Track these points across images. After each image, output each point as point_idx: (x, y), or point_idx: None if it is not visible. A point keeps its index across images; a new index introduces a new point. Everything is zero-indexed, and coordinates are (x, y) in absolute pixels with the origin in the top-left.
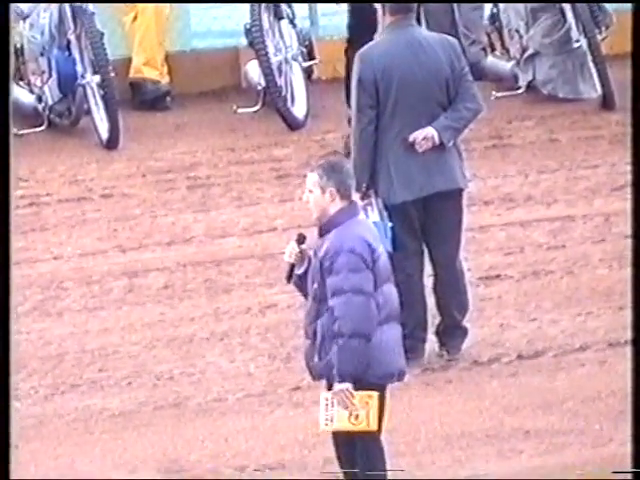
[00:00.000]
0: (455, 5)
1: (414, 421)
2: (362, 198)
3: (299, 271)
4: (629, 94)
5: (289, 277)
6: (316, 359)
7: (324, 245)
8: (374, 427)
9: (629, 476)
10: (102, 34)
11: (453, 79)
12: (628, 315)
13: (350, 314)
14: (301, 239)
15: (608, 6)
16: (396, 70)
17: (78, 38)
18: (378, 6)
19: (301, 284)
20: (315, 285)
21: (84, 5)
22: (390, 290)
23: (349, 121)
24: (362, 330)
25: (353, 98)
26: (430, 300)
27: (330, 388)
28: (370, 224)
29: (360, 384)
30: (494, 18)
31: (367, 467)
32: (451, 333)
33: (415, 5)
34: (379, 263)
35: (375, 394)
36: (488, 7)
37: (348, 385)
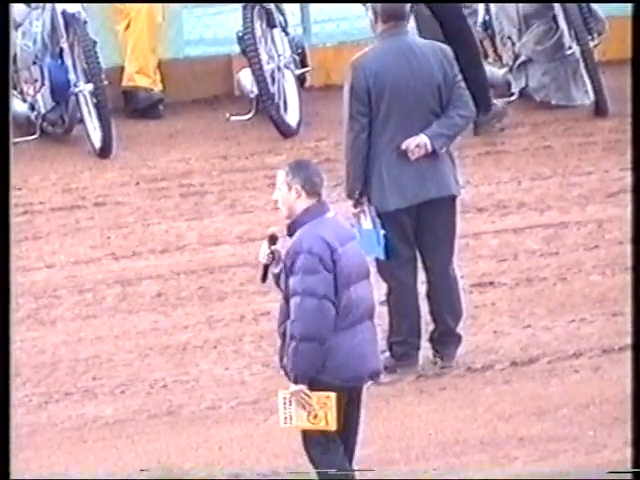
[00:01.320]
0: None
1: (408, 428)
2: (355, 205)
3: (275, 270)
4: (622, 100)
5: (263, 277)
6: (285, 360)
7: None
8: (333, 427)
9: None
10: (95, 42)
11: (445, 86)
12: (622, 321)
13: (302, 317)
14: (273, 239)
15: (600, 13)
16: (388, 77)
17: (71, 46)
18: (371, 14)
19: (278, 284)
20: (283, 285)
21: (77, 13)
22: (363, 289)
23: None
24: (313, 333)
25: (345, 105)
26: (424, 307)
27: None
28: (338, 222)
29: (322, 384)
30: (486, 25)
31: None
32: (445, 340)
33: (408, 13)
34: (343, 263)
35: (333, 395)
36: (481, 14)
37: (302, 386)
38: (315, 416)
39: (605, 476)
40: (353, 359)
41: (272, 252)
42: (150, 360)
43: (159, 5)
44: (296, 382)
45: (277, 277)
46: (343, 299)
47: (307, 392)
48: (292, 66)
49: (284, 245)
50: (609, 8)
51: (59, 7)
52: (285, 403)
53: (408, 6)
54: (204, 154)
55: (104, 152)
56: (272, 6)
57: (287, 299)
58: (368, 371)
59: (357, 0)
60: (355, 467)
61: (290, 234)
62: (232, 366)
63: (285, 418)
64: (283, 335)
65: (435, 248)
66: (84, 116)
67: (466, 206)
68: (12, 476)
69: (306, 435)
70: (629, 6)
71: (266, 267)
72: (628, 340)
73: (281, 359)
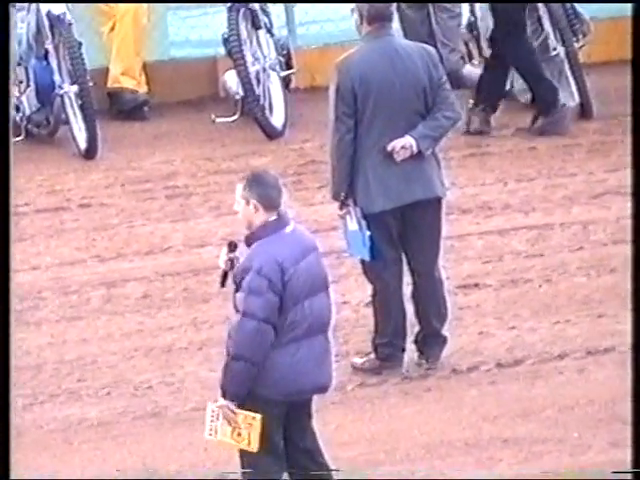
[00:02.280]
0: (432, 14)
1: (393, 430)
2: (341, 207)
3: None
4: (607, 102)
5: (222, 283)
6: (221, 375)
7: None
8: (254, 448)
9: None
10: (80, 44)
11: (431, 88)
12: (606, 323)
13: (237, 336)
14: (232, 247)
15: (585, 14)
16: (374, 79)
17: (56, 48)
18: (356, 15)
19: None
20: (233, 298)
21: (62, 15)
22: (313, 304)
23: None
24: (245, 354)
25: (331, 107)
26: (409, 309)
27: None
28: (296, 236)
29: (260, 399)
30: (472, 26)
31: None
32: (430, 342)
33: (393, 14)
34: (294, 283)
35: (259, 417)
36: (466, 15)
37: (229, 403)
38: (239, 434)
39: (609, 476)
40: (294, 374)
41: (231, 259)
42: (135, 362)
43: (144, 7)
44: (224, 397)
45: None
46: (290, 316)
47: (234, 409)
48: (277, 68)
49: (242, 252)
50: (593, 10)
51: (44, 8)
52: (213, 415)
53: (393, 7)
54: (189, 156)
55: (89, 154)
56: (257, 8)
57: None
58: (311, 386)
59: (344, 0)
60: (340, 468)
61: (248, 245)
62: (217, 368)
63: (210, 430)
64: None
65: (420, 250)
66: (69, 117)
67: (451, 207)
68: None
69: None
70: (614, 8)
71: (225, 274)
72: (613, 342)
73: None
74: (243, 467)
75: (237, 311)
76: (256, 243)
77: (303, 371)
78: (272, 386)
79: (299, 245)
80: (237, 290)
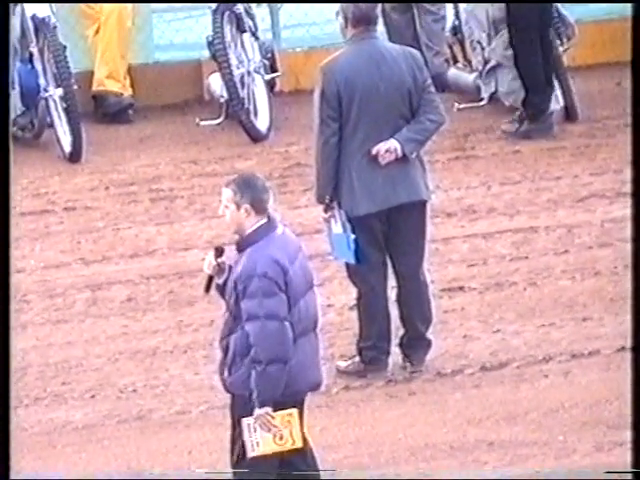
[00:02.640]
0: (417, 17)
1: (378, 433)
2: (325, 210)
3: (219, 281)
4: (592, 106)
5: (207, 288)
6: (226, 374)
7: (240, 263)
8: (299, 444)
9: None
10: (65, 47)
11: (416, 91)
12: (591, 326)
13: (266, 341)
14: (219, 252)
15: (570, 17)
16: (358, 82)
17: (41, 51)
18: (341, 18)
19: (222, 293)
20: (231, 301)
21: (46, 18)
22: (307, 302)
23: None
24: (279, 356)
25: (316, 110)
26: (394, 312)
27: (233, 403)
28: (286, 238)
29: (276, 403)
30: (456, 30)
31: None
32: (415, 345)
33: (378, 17)
34: (293, 281)
35: (295, 412)
36: (450, 19)
37: (268, 409)
38: (281, 437)
39: (604, 476)
40: (293, 375)
41: (219, 264)
42: (120, 365)
43: (129, 10)
44: (262, 406)
45: (220, 287)
46: (294, 315)
47: (271, 414)
48: (262, 71)
49: (229, 257)
50: (578, 13)
51: (29, 12)
52: (249, 430)
53: (378, 10)
54: (174, 159)
55: (74, 157)
56: (242, 11)
57: (231, 314)
58: (308, 384)
59: (329, 1)
60: (326, 471)
61: (240, 250)
62: (202, 371)
63: (252, 446)
64: (226, 349)
65: (405, 253)
66: (54, 121)
67: (435, 211)
68: None
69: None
70: (599, 11)
71: (211, 278)
72: (597, 345)
73: (221, 372)
74: (234, 467)
75: (248, 320)
76: (250, 248)
77: (300, 371)
78: (289, 387)
79: (290, 246)
80: (237, 297)
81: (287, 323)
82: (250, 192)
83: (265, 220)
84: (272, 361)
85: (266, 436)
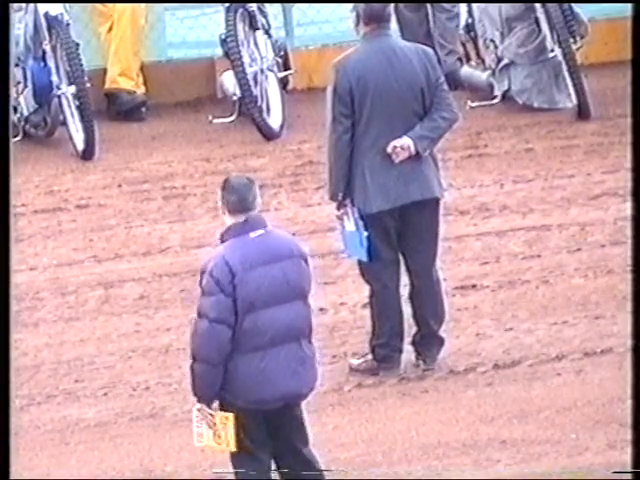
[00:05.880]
0: (430, 15)
1: (390, 431)
2: (338, 208)
3: None
4: (604, 104)
5: None
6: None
7: None
8: (232, 448)
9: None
10: (77, 44)
11: (428, 88)
12: (604, 324)
13: (194, 338)
14: None
15: (583, 16)
16: (371, 79)
17: (53, 49)
18: (354, 16)
19: None
20: None
21: (59, 15)
22: (280, 313)
23: None
24: (202, 355)
25: (328, 107)
26: (406, 310)
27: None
28: (262, 242)
29: (227, 404)
30: (469, 28)
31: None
32: (427, 343)
33: (390, 15)
34: (246, 288)
35: (231, 416)
36: (463, 17)
37: (203, 405)
38: (219, 436)
39: (616, 475)
40: (257, 382)
41: None
42: (132, 362)
43: (142, 7)
44: (198, 401)
45: None
46: (245, 323)
47: (209, 411)
48: (275, 69)
49: None
50: (591, 11)
51: (42, 9)
52: (197, 420)
53: (390, 8)
54: (187, 156)
55: (87, 154)
56: (255, 9)
57: None
58: (277, 395)
59: (342, 0)
60: (338, 469)
61: None
62: None
63: (197, 436)
64: None
65: (418, 250)
66: (67, 118)
67: (448, 209)
68: None
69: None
70: (612, 9)
71: None
72: (610, 343)
73: None
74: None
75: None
76: (220, 245)
77: (268, 380)
78: (236, 393)
79: (263, 251)
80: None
81: (220, 326)
82: (225, 192)
83: (240, 221)
84: (197, 359)
85: (208, 431)
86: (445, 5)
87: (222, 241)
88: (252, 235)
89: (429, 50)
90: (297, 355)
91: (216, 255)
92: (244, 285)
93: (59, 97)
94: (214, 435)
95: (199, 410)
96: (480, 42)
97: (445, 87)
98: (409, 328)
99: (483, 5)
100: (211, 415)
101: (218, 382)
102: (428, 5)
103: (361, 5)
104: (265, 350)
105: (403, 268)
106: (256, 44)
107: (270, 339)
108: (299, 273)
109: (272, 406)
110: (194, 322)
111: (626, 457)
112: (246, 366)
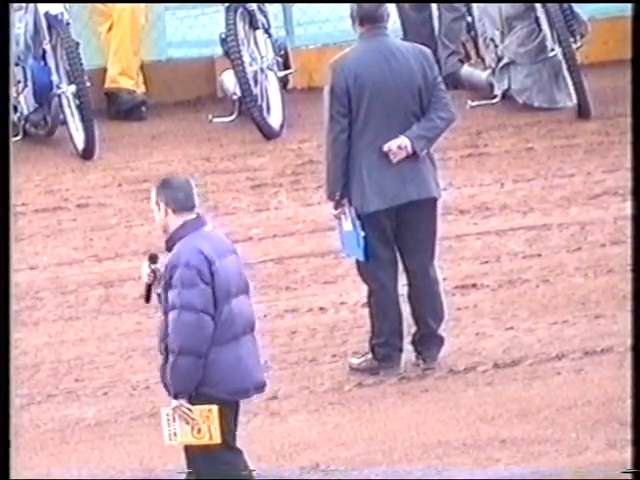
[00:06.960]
0: (435, 16)
1: (391, 430)
2: (335, 207)
3: (159, 290)
4: (604, 103)
5: (147, 298)
6: (168, 377)
7: (168, 258)
8: (217, 440)
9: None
10: (77, 44)
11: (426, 88)
12: (604, 323)
13: (180, 330)
14: (153, 258)
15: (583, 15)
16: (368, 79)
17: (54, 48)
18: (350, 17)
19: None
20: (164, 301)
21: (59, 15)
22: (243, 303)
23: None
24: (191, 347)
25: (326, 106)
26: (406, 309)
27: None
28: (216, 235)
29: (206, 398)
30: (469, 27)
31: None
32: (427, 342)
33: (385, 15)
34: (222, 276)
35: (215, 408)
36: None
37: (182, 401)
38: (199, 430)
39: (616, 474)
40: (238, 372)
41: (153, 271)
42: (133, 361)
43: (142, 7)
44: (176, 397)
45: (159, 296)
46: (224, 312)
47: (188, 406)
48: (275, 68)
49: (163, 263)
50: (591, 10)
51: (42, 9)
52: (169, 419)
53: (386, 7)
54: (187, 156)
55: (87, 154)
56: (255, 8)
57: (166, 314)
58: (253, 384)
59: (342, 0)
60: (338, 468)
61: (168, 249)
62: None
63: (170, 435)
64: (165, 351)
65: (415, 250)
66: (67, 118)
67: (448, 208)
68: None
69: (188, 452)
70: (612, 9)
71: (149, 287)
72: (610, 342)
73: (163, 376)
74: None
75: (168, 311)
76: (178, 243)
77: (246, 369)
78: (218, 384)
79: (220, 243)
80: (167, 290)
81: (206, 316)
82: (165, 192)
83: (193, 217)
84: (184, 352)
85: (184, 427)
86: (456, 5)
87: (175, 240)
88: (206, 229)
89: (426, 50)
90: (256, 345)
91: (186, 248)
92: (220, 273)
93: (59, 96)
94: (192, 430)
95: (174, 408)
96: (480, 41)
97: (442, 87)
98: (409, 327)
99: (483, 4)
100: (189, 410)
101: (199, 375)
102: (433, 5)
103: (354, 6)
104: (238, 339)
105: (401, 267)
106: (256, 43)
107: (242, 328)
108: (242, 269)
109: (251, 395)
110: (174, 316)
111: (626, 456)
112: (225, 356)
